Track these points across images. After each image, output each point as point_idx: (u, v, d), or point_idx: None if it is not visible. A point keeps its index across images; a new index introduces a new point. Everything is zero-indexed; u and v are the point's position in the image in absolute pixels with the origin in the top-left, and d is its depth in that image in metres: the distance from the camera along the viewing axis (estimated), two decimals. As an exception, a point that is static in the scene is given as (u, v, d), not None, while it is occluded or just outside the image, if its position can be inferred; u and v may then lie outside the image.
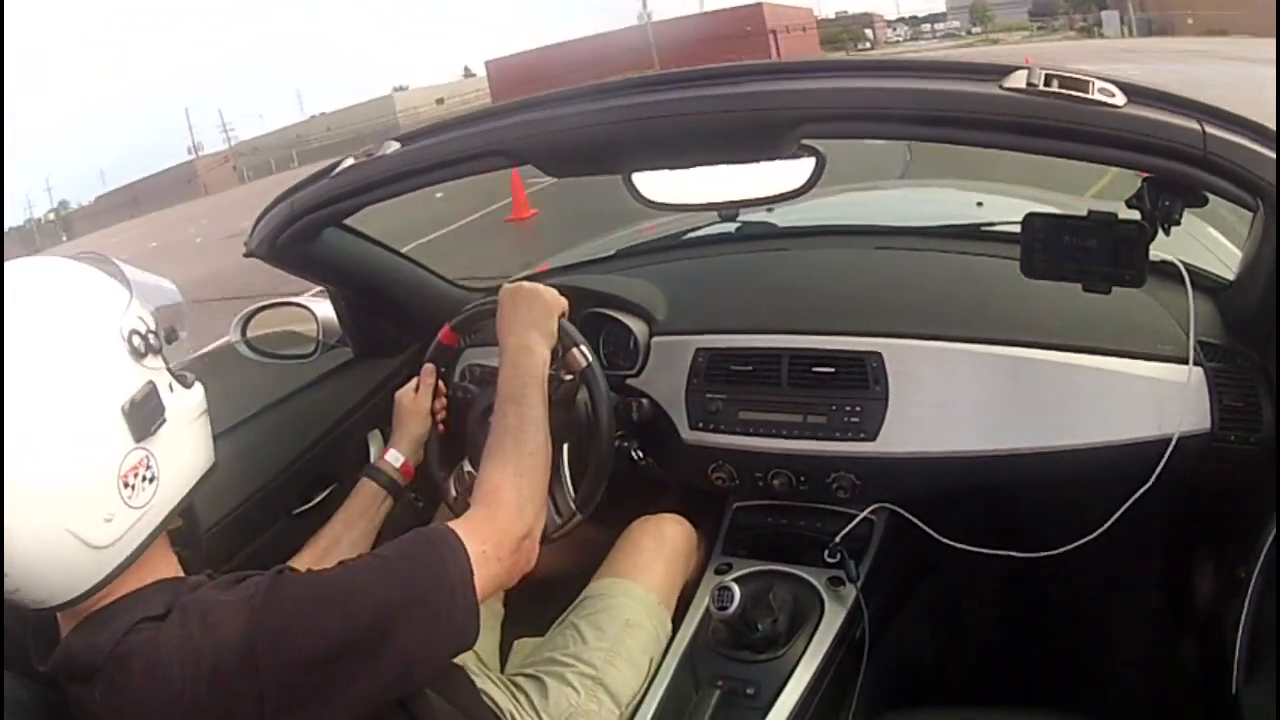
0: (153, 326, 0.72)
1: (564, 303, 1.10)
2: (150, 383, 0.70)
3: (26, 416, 0.63)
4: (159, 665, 0.65)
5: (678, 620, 1.18)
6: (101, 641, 0.67)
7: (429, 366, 1.23)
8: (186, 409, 0.74)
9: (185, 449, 0.73)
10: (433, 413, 1.23)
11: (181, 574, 0.76)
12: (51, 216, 46.31)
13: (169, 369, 0.74)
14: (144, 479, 0.68)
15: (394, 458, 1.18)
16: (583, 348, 1.12)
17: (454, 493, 1.21)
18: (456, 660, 1.00)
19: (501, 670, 1.15)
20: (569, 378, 1.13)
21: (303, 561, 1.04)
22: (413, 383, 1.23)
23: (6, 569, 0.64)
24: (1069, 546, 1.04)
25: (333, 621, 0.69)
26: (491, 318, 1.09)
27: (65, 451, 0.64)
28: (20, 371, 0.63)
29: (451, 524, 0.80)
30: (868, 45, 40.63)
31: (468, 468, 1.19)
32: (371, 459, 1.39)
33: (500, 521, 0.82)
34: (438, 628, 0.74)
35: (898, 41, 42.42)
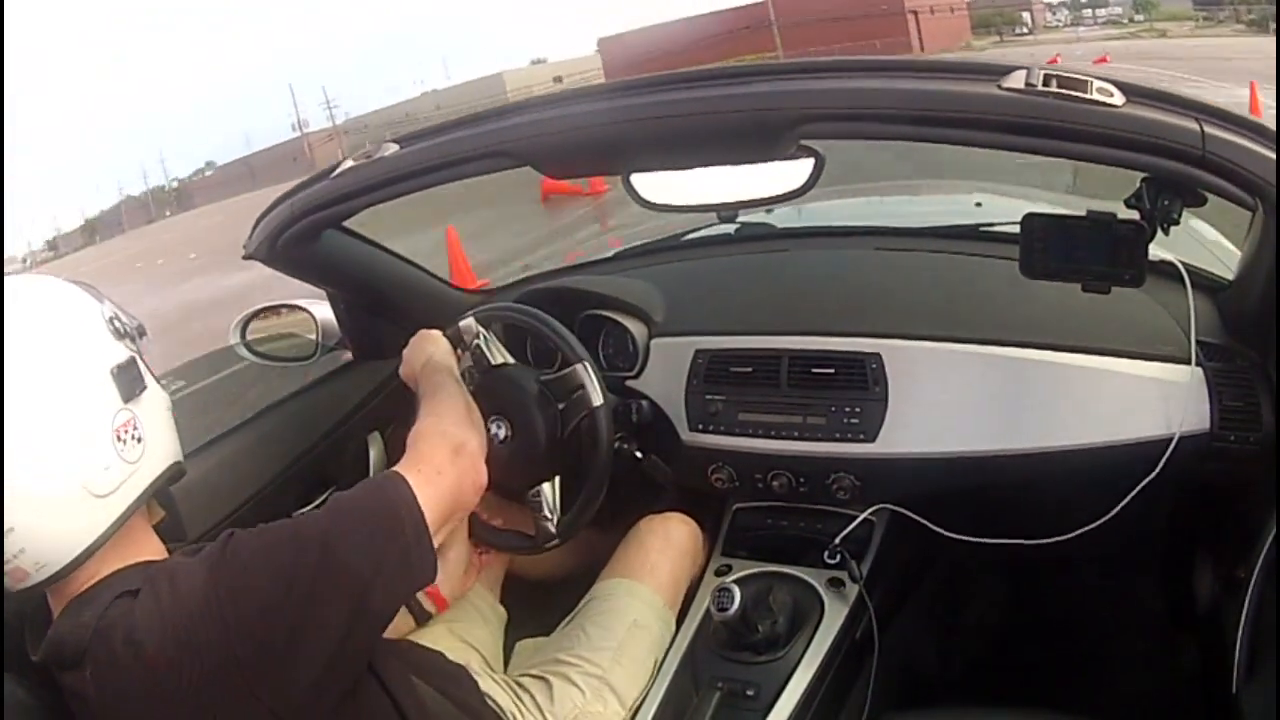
0: (126, 320, 0.82)
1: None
2: (131, 356, 0.78)
3: (35, 382, 0.70)
4: (136, 636, 0.68)
5: (679, 621, 1.17)
6: (86, 620, 0.70)
7: None
8: (160, 394, 0.82)
9: (162, 425, 0.81)
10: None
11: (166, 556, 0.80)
12: (175, 184, 50.24)
13: (143, 359, 0.81)
14: (133, 438, 0.76)
15: None
16: (466, 317, 1.16)
17: (545, 512, 1.12)
18: (459, 660, 1.01)
19: (505, 672, 1.15)
20: (475, 341, 1.16)
21: None
22: None
23: (14, 526, 0.68)
24: (1071, 534, 1.04)
25: (284, 559, 0.73)
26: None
27: (69, 407, 0.72)
28: (23, 343, 0.71)
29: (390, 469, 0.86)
30: (1025, 30, 36.56)
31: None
32: (371, 462, 1.40)
33: (426, 448, 0.90)
34: (388, 554, 0.77)
35: (1057, 26, 37.54)
